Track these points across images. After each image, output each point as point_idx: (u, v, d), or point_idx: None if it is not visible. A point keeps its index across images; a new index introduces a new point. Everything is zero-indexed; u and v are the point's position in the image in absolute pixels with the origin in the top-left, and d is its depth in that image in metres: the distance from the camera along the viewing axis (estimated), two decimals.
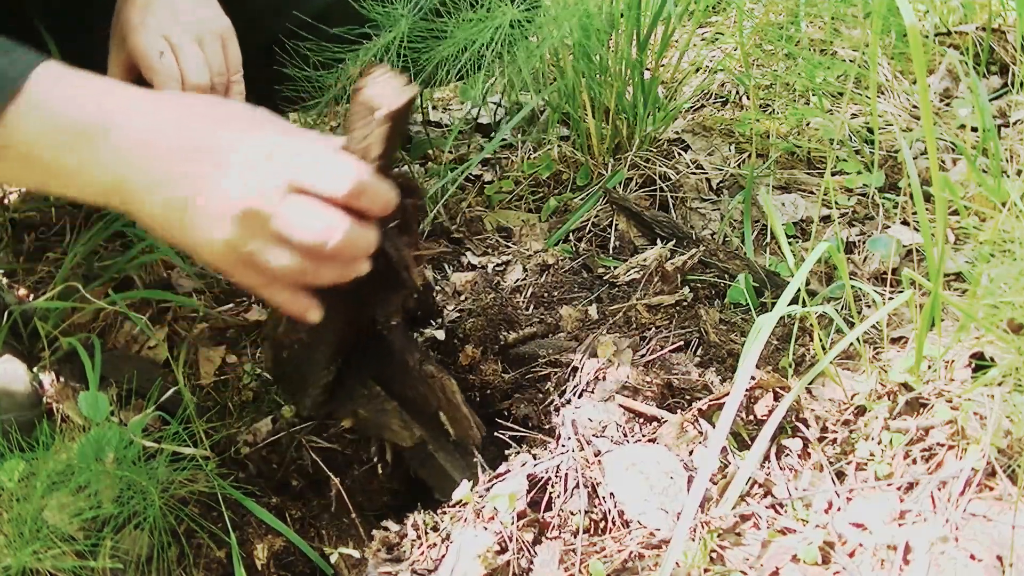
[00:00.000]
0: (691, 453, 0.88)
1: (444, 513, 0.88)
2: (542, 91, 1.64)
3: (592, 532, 0.82)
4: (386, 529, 0.90)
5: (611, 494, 0.83)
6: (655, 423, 0.92)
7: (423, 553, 0.85)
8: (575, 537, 0.81)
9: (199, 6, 1.06)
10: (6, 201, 1.42)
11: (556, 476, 0.85)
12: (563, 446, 0.88)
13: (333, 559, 0.90)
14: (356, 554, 0.89)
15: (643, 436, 0.90)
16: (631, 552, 0.79)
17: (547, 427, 0.96)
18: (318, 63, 1.23)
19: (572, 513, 0.82)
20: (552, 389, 1.00)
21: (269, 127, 0.78)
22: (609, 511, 0.82)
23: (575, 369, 1.00)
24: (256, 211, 0.73)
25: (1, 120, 0.72)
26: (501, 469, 0.88)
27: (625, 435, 0.90)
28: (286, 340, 0.90)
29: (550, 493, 0.84)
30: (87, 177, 0.76)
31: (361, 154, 0.76)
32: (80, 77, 0.77)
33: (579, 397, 0.96)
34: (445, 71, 1.23)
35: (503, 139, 1.68)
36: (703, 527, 0.80)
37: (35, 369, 1.13)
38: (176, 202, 0.75)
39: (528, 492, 0.84)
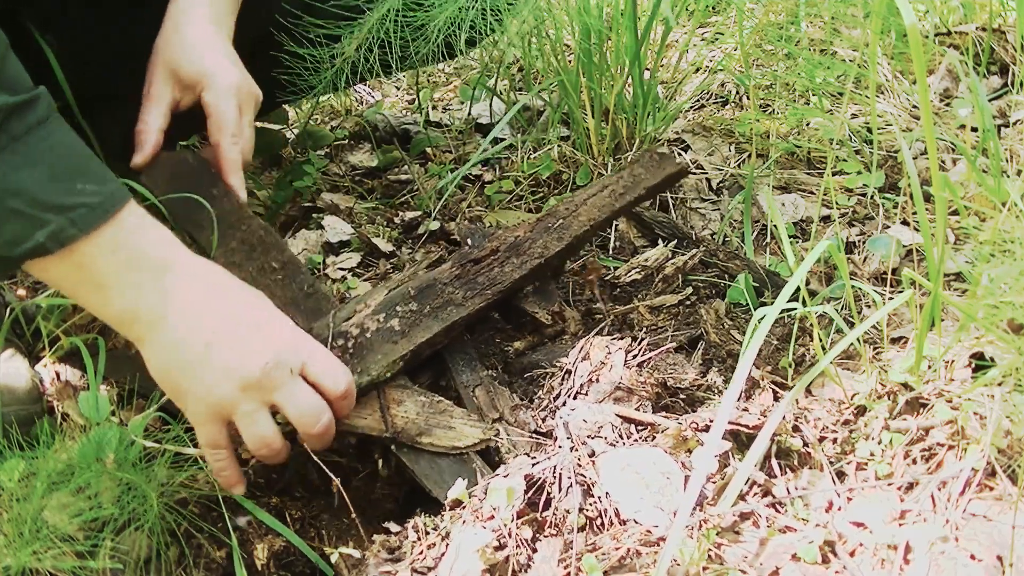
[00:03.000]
0: (689, 453, 0.89)
1: (443, 514, 0.88)
2: (541, 89, 1.64)
3: (589, 530, 0.82)
4: (387, 532, 0.91)
5: (606, 493, 0.83)
6: (650, 427, 0.92)
7: (423, 552, 0.85)
8: (572, 535, 0.81)
9: (238, 64, 1.12)
10: None
11: (553, 476, 0.85)
12: (559, 447, 0.88)
13: (333, 559, 0.90)
14: (356, 554, 0.89)
15: (639, 438, 0.91)
16: (628, 549, 0.79)
17: (543, 430, 0.96)
18: (312, 42, 1.23)
19: (568, 511, 0.83)
20: (547, 392, 1.00)
21: (296, 330, 0.93)
22: (605, 510, 0.83)
23: (569, 372, 1.00)
24: (269, 381, 0.87)
25: (88, 240, 0.82)
26: (499, 471, 0.88)
27: (621, 436, 0.91)
28: None
29: (547, 493, 0.84)
30: (122, 300, 0.85)
31: None
32: (156, 223, 0.88)
33: (574, 399, 0.96)
34: (437, 44, 1.23)
35: (503, 139, 1.68)
36: (701, 525, 0.80)
37: (36, 367, 1.13)
38: (195, 346, 0.86)
39: (526, 492, 0.84)
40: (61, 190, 0.80)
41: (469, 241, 1.20)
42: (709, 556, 0.79)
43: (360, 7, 1.24)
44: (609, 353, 0.99)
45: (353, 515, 0.91)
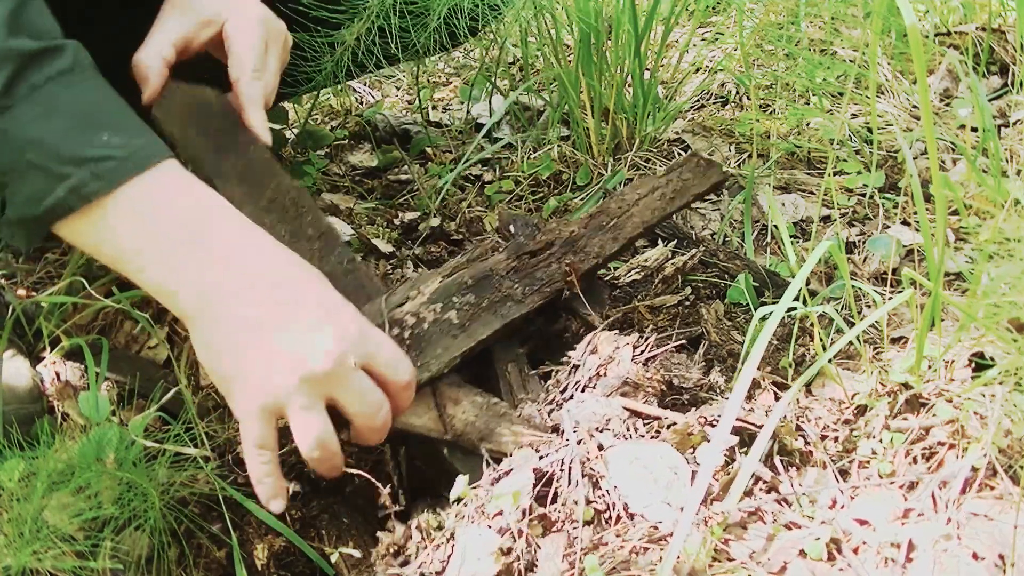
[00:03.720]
0: (693, 450, 0.89)
1: (448, 512, 0.88)
2: (542, 90, 1.64)
3: (596, 525, 0.82)
4: (391, 531, 0.90)
5: (615, 487, 0.83)
6: (658, 421, 0.92)
7: (429, 555, 0.85)
8: (578, 529, 0.81)
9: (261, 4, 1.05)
10: None
11: (560, 470, 0.84)
12: (567, 440, 0.88)
13: (333, 559, 0.90)
14: (357, 554, 0.89)
15: (647, 432, 0.90)
16: (634, 546, 0.79)
17: (550, 424, 0.96)
18: (313, 29, 1.22)
19: (575, 502, 0.82)
20: (553, 386, 1.00)
21: (360, 317, 0.84)
22: (613, 504, 0.82)
23: (576, 366, 1.00)
24: (335, 374, 0.78)
25: (115, 196, 0.75)
26: (504, 466, 0.88)
27: (628, 429, 0.90)
28: None
29: (555, 486, 0.84)
30: (162, 270, 0.77)
31: None
32: (201, 186, 0.80)
33: (581, 392, 0.96)
34: (439, 34, 1.23)
35: (503, 139, 1.68)
36: (707, 521, 0.80)
37: (37, 367, 1.13)
38: (252, 327, 0.77)
39: (534, 486, 0.83)
40: (82, 141, 0.74)
41: (512, 228, 1.14)
42: (716, 551, 0.79)
43: None
44: (617, 348, 0.99)
45: (353, 516, 0.91)
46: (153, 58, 0.99)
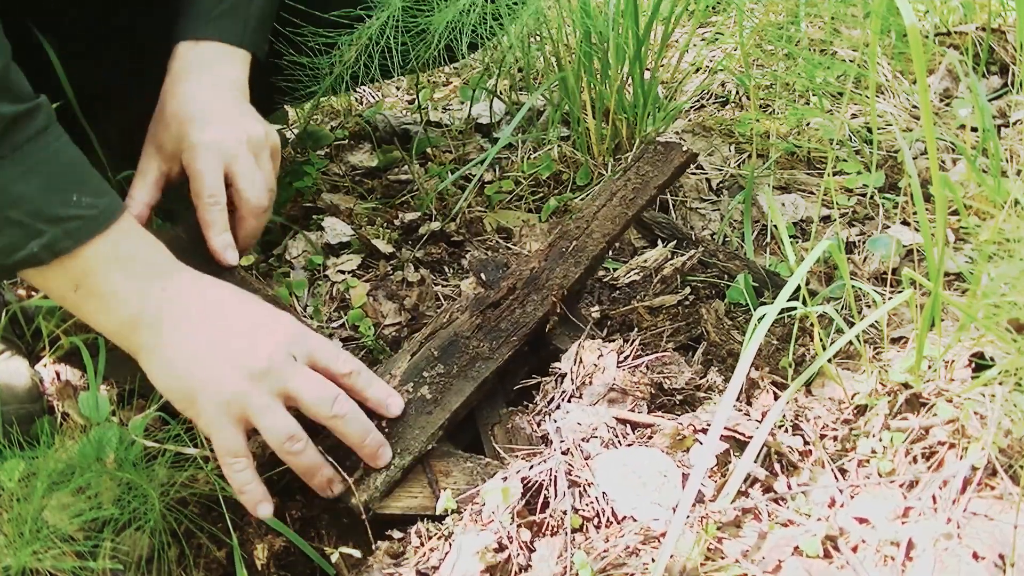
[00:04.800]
0: (687, 451, 0.89)
1: (445, 519, 0.88)
2: (543, 90, 1.64)
3: (587, 530, 0.83)
4: (390, 538, 0.91)
5: (603, 494, 0.84)
6: (648, 428, 0.92)
7: (426, 555, 0.85)
8: (570, 534, 0.82)
9: (247, 117, 1.06)
10: None
11: (549, 479, 0.85)
12: (554, 450, 0.88)
13: (334, 559, 0.90)
14: (357, 554, 0.89)
15: (635, 440, 0.91)
16: (626, 546, 0.79)
17: (539, 434, 0.96)
18: (313, 49, 1.22)
19: (564, 512, 0.83)
20: (542, 397, 1.00)
21: (297, 323, 0.92)
22: (603, 510, 0.83)
23: (562, 376, 1.00)
24: (277, 369, 0.85)
25: (82, 251, 0.83)
26: (496, 475, 0.89)
27: (617, 437, 0.91)
28: None
29: (544, 495, 0.85)
30: (121, 309, 0.86)
31: None
32: (150, 236, 0.90)
33: (568, 402, 0.96)
34: (438, 50, 1.23)
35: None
36: (701, 521, 0.80)
37: (36, 367, 1.13)
38: (199, 346, 0.86)
39: (523, 495, 0.84)
40: (58, 201, 0.81)
41: (483, 276, 1.14)
42: (709, 550, 0.79)
43: (360, 15, 1.22)
44: (601, 355, 0.99)
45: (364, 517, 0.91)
46: (141, 207, 1.04)
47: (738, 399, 0.95)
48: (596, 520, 0.83)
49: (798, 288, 0.86)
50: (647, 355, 0.99)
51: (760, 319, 0.81)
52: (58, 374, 1.14)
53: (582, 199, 1.45)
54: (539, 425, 0.97)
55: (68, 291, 0.85)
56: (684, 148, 1.21)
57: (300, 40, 1.21)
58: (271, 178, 1.07)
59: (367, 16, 1.22)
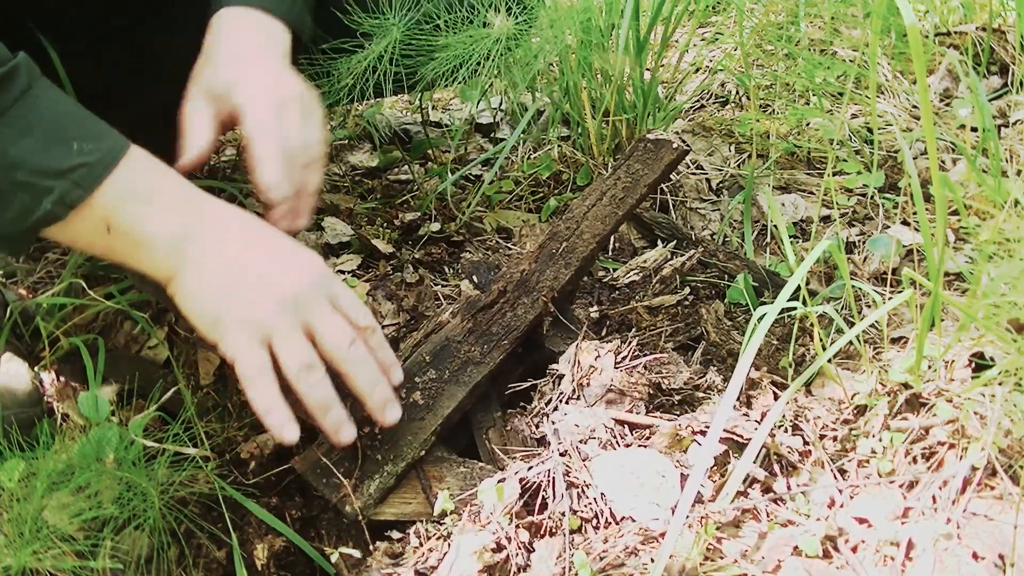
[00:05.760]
0: (685, 452, 0.89)
1: (443, 521, 0.88)
2: (543, 91, 1.64)
3: (584, 531, 0.83)
4: (389, 539, 0.91)
5: (601, 495, 0.84)
6: (646, 429, 0.92)
7: (424, 555, 0.85)
8: (569, 535, 0.82)
9: (297, 78, 1.04)
10: None
11: (547, 480, 0.85)
12: (552, 452, 0.88)
13: (333, 559, 0.90)
14: (356, 554, 0.89)
15: (634, 440, 0.91)
16: (625, 546, 0.79)
17: (536, 436, 0.96)
18: (311, 76, 1.21)
19: (562, 514, 0.83)
20: (539, 399, 1.00)
21: (324, 264, 0.92)
22: (601, 511, 0.83)
23: (560, 377, 1.00)
24: (305, 300, 0.87)
25: (98, 195, 0.83)
26: (495, 476, 0.89)
27: (615, 438, 0.91)
28: None
29: (543, 496, 0.85)
30: (150, 240, 0.86)
31: None
32: (166, 167, 0.89)
33: (566, 403, 0.96)
34: (440, 81, 1.22)
35: (503, 139, 1.68)
36: (700, 522, 0.80)
37: (36, 368, 1.13)
38: (233, 267, 0.87)
39: (521, 496, 0.84)
40: (58, 154, 0.81)
41: (475, 278, 1.14)
42: (709, 550, 0.79)
43: (361, 43, 1.21)
44: (598, 356, 0.99)
45: (361, 519, 0.91)
46: (200, 148, 1.01)
47: (738, 399, 0.95)
48: (595, 521, 0.83)
49: (798, 288, 0.86)
50: (645, 355, 0.99)
51: (760, 319, 0.81)
52: (58, 374, 1.14)
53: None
54: (537, 427, 0.97)
55: (100, 236, 0.85)
56: (674, 144, 1.19)
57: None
58: (323, 131, 1.05)
59: (365, 44, 1.21)
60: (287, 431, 0.86)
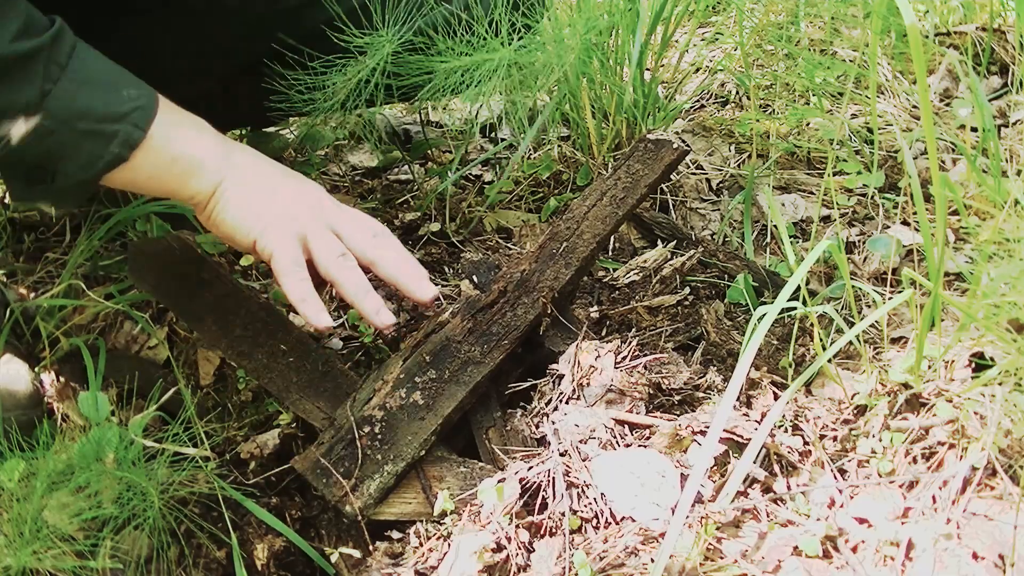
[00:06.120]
0: (685, 452, 0.89)
1: (443, 521, 0.88)
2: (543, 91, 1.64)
3: (586, 531, 0.83)
4: (389, 539, 0.91)
5: (601, 495, 0.84)
6: (646, 429, 0.92)
7: (424, 555, 0.85)
8: (569, 535, 0.82)
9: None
10: (6, 201, 1.42)
11: (547, 480, 0.85)
12: (552, 452, 0.88)
13: (333, 559, 0.90)
14: (356, 554, 0.89)
15: (634, 441, 0.91)
16: (625, 546, 0.79)
17: (536, 436, 0.96)
18: (306, 85, 1.20)
19: (562, 514, 0.83)
20: (539, 399, 1.00)
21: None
22: (601, 511, 0.83)
23: (560, 377, 1.00)
24: (329, 209, 0.99)
25: (151, 134, 0.91)
26: (495, 477, 0.89)
27: (615, 438, 0.91)
28: None
29: (543, 496, 0.85)
30: (198, 162, 0.96)
31: None
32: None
33: (565, 403, 0.96)
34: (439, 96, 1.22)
35: (503, 139, 1.68)
36: (700, 522, 0.80)
37: (36, 369, 1.13)
38: (272, 177, 0.99)
39: (521, 496, 0.84)
40: (116, 100, 0.89)
41: (475, 278, 1.14)
42: (709, 550, 0.79)
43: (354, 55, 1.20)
44: (599, 356, 0.99)
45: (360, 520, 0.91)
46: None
47: (738, 399, 0.95)
48: (595, 521, 0.83)
49: (798, 288, 0.86)
50: (645, 355, 0.99)
51: (760, 319, 0.81)
52: (57, 374, 1.14)
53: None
54: (537, 427, 0.97)
55: (165, 170, 0.93)
56: (674, 145, 1.18)
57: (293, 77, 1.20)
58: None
59: (356, 56, 1.19)
60: (322, 319, 0.94)
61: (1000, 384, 0.85)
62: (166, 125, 0.92)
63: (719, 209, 1.43)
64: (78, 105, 0.86)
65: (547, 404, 0.98)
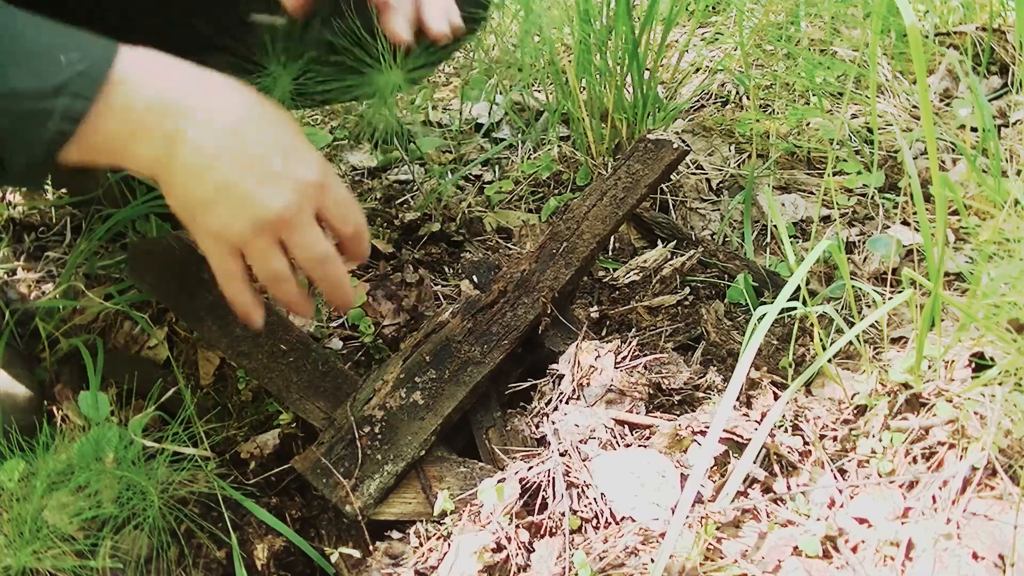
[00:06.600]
0: (685, 451, 0.89)
1: (443, 521, 0.88)
2: (542, 89, 1.64)
3: (586, 531, 0.83)
4: (389, 539, 0.91)
5: (601, 495, 0.84)
6: (646, 429, 0.92)
7: (424, 555, 0.85)
8: (569, 535, 0.82)
9: None
10: (6, 200, 1.42)
11: (547, 480, 0.85)
12: (552, 452, 0.88)
13: (333, 559, 0.90)
14: (356, 554, 0.89)
15: (634, 441, 0.91)
16: (625, 546, 0.79)
17: (536, 436, 0.96)
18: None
19: (562, 514, 0.83)
20: (539, 398, 1.00)
21: (320, 162, 0.88)
22: (601, 511, 0.83)
23: (560, 377, 1.00)
24: (283, 223, 0.84)
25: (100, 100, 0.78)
26: (495, 477, 0.89)
27: (615, 438, 0.91)
28: None
29: (543, 496, 0.85)
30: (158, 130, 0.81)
31: None
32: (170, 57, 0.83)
33: (565, 403, 0.96)
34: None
35: (503, 139, 1.68)
36: (700, 522, 0.80)
37: (35, 371, 1.13)
38: (214, 180, 0.83)
39: (521, 496, 0.84)
40: (49, 73, 0.77)
41: (475, 278, 1.14)
42: (709, 550, 0.79)
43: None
44: (599, 356, 0.99)
45: (360, 519, 0.91)
46: None
47: (737, 399, 0.95)
48: (595, 521, 0.83)
49: (798, 288, 0.86)
50: (645, 355, 0.99)
51: (760, 319, 0.81)
52: (57, 375, 1.13)
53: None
54: (537, 427, 0.97)
55: (113, 144, 0.80)
56: (674, 145, 1.18)
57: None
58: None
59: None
60: (254, 317, 0.89)
61: (1000, 384, 0.85)
62: (134, 85, 0.80)
63: (719, 209, 1.43)
64: (4, 89, 0.75)
65: (547, 404, 0.99)
